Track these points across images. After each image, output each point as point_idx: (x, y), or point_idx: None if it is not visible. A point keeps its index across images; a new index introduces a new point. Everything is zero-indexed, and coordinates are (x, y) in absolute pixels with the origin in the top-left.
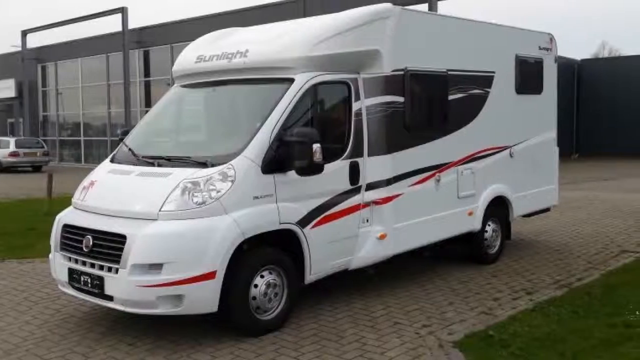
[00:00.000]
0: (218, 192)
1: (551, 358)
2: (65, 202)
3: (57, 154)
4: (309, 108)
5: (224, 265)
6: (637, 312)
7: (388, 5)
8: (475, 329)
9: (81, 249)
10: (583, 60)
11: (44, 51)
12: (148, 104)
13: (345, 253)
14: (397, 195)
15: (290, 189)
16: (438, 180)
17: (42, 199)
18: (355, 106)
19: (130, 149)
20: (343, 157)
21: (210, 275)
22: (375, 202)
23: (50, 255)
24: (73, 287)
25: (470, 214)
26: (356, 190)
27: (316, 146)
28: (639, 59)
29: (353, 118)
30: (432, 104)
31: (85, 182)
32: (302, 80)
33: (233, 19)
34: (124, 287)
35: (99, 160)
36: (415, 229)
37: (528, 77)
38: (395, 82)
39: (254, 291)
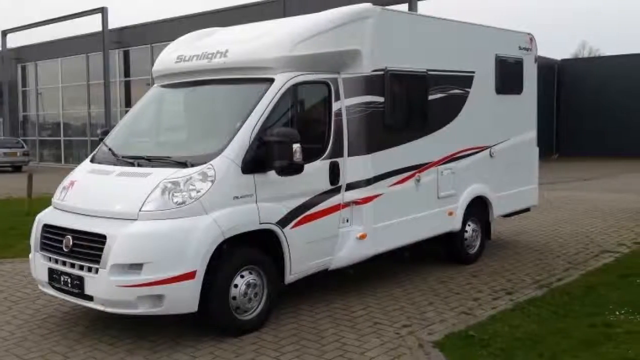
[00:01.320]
0: (198, 192)
1: (531, 358)
2: (45, 202)
3: (37, 154)
4: (289, 108)
5: (203, 265)
6: (617, 312)
7: (368, 5)
8: (455, 329)
9: (61, 249)
10: (563, 60)
11: (24, 51)
12: (128, 104)
13: (325, 253)
14: (377, 195)
15: (271, 189)
16: (418, 180)
17: (22, 199)
18: (335, 106)
19: (110, 149)
20: (323, 157)
21: (190, 275)
22: (355, 202)
23: (30, 255)
24: (53, 287)
25: (450, 214)
26: (336, 190)
27: (296, 146)
28: (618, 58)
29: (333, 118)
30: (412, 104)
31: (65, 182)
32: (282, 80)
33: (213, 19)
34: (104, 287)
35: (79, 160)
36: (395, 229)
37: (508, 77)
38: (375, 82)
39: (233, 291)
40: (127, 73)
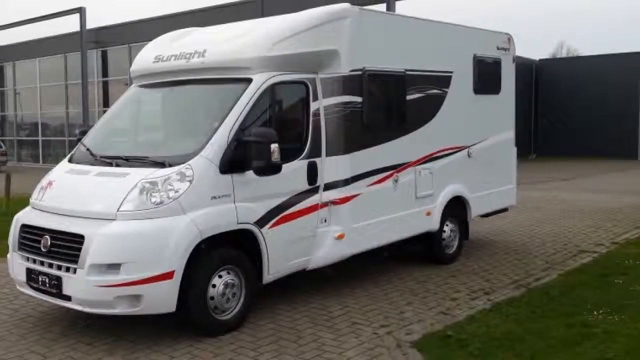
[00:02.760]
0: (176, 192)
1: (509, 358)
2: (23, 202)
3: (15, 154)
4: (267, 108)
5: (182, 265)
6: (595, 312)
7: (346, 5)
8: (433, 329)
9: (39, 249)
10: (541, 60)
11: (2, 51)
12: (106, 104)
13: (303, 253)
14: (355, 195)
15: (249, 189)
16: (396, 180)
17: (0, 199)
18: (313, 106)
19: (88, 149)
20: (301, 157)
21: (168, 275)
22: (334, 202)
23: (9, 255)
24: (31, 287)
25: (428, 214)
26: (314, 190)
27: (274, 146)
28: (596, 59)
29: (311, 118)
30: (390, 104)
31: (44, 182)
32: (260, 81)
33: (191, 19)
34: (82, 287)
35: (57, 160)
36: (373, 229)
37: (486, 77)
38: (353, 82)
39: (212, 291)
40: (105, 73)
